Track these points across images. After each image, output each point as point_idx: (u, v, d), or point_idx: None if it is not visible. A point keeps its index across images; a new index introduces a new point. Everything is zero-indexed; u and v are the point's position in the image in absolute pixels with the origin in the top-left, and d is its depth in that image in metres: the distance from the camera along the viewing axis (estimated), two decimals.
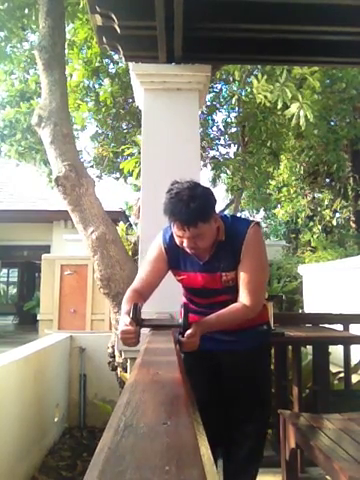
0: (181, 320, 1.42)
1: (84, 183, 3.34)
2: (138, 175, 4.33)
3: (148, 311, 2.11)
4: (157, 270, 1.68)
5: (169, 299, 1.89)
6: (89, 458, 0.88)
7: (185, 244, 1.53)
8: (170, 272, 1.74)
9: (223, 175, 7.75)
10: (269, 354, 1.91)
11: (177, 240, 1.56)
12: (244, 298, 1.57)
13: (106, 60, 6.19)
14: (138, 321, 1.42)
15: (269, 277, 9.86)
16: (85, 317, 6.30)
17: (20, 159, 6.70)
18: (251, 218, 16.01)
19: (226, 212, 9.24)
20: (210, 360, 1.72)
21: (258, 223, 1.67)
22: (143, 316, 1.46)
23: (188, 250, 1.56)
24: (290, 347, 2.86)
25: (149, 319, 1.51)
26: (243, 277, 1.58)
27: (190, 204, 1.45)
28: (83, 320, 6.27)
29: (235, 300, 1.60)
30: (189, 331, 1.40)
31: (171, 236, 1.64)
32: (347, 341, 2.82)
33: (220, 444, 1.75)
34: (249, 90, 6.05)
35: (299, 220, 11.14)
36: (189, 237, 1.50)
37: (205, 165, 7.11)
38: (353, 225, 10.40)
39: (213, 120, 7.28)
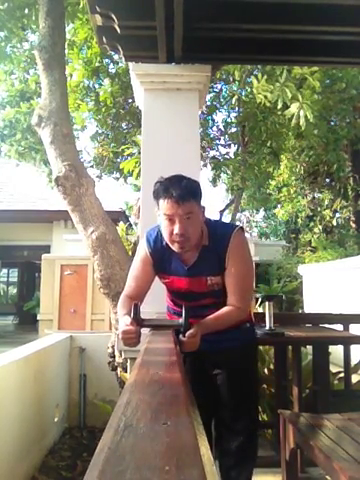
0: (181, 320, 1.42)
1: (84, 183, 3.34)
2: (138, 175, 4.33)
3: (148, 311, 2.11)
4: (145, 274, 1.70)
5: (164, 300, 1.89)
6: (89, 458, 0.89)
7: (176, 230, 1.52)
8: None
9: (223, 175, 7.76)
10: (255, 351, 1.92)
11: (166, 230, 1.55)
12: (235, 301, 1.62)
13: (106, 60, 6.19)
14: (138, 321, 1.42)
15: (269, 277, 9.91)
16: (85, 317, 6.30)
17: (20, 159, 6.71)
18: (249, 218, 16.05)
19: (225, 211, 9.26)
20: (196, 360, 1.72)
21: (241, 228, 1.70)
22: (143, 316, 1.46)
23: (176, 240, 1.54)
24: (290, 347, 2.86)
25: (149, 319, 1.51)
26: (232, 283, 1.62)
27: (183, 181, 1.54)
28: (83, 320, 6.27)
29: (220, 303, 1.63)
30: (190, 331, 1.41)
31: (155, 239, 1.68)
32: (347, 341, 2.81)
33: (213, 443, 1.76)
34: (249, 90, 6.06)
35: (299, 220, 11.14)
36: (181, 216, 1.51)
37: (205, 165, 7.11)
38: (353, 225, 10.40)
39: (213, 120, 7.29)
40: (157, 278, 1.75)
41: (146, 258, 1.69)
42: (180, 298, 1.72)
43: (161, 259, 1.67)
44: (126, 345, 1.45)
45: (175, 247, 1.58)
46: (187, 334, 1.41)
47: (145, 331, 1.52)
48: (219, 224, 1.76)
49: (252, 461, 1.81)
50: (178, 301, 1.73)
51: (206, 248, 1.63)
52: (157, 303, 1.91)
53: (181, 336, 1.43)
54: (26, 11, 4.38)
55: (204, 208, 1.63)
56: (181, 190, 1.50)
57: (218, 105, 7.12)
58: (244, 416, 1.75)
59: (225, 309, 1.61)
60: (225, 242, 1.60)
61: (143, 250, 1.71)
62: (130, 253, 3.93)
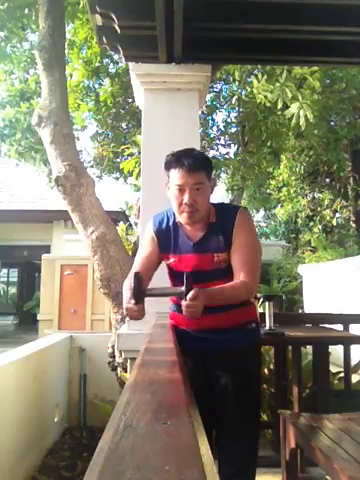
0: (184, 287, 1.40)
1: (84, 183, 3.35)
2: (138, 175, 4.33)
3: (148, 311, 2.11)
4: (150, 254, 1.70)
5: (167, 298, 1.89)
6: (89, 458, 0.88)
7: (185, 200, 1.56)
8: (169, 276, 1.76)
9: (223, 175, 7.76)
10: (259, 353, 1.89)
11: (176, 200, 1.58)
12: (244, 276, 1.58)
13: (106, 60, 6.19)
14: (141, 292, 1.42)
15: (269, 277, 9.91)
16: (85, 317, 6.30)
17: (20, 159, 6.71)
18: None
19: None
20: (198, 360, 1.71)
21: (246, 208, 1.74)
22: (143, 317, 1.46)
23: (185, 210, 1.57)
24: (290, 347, 2.86)
25: (151, 289, 1.51)
26: (239, 258, 1.60)
27: (194, 151, 1.63)
28: (83, 320, 6.27)
29: None
30: (191, 293, 1.38)
31: (161, 220, 1.71)
32: (347, 341, 2.81)
33: (215, 447, 1.74)
34: (249, 90, 6.05)
35: (299, 220, 11.14)
36: (191, 186, 1.55)
37: None
38: (353, 225, 10.40)
39: (213, 120, 7.29)
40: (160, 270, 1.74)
41: (151, 239, 1.71)
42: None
43: (167, 238, 1.69)
44: (132, 319, 1.47)
45: (184, 218, 1.60)
46: (188, 296, 1.37)
47: (147, 317, 1.51)
48: (224, 204, 1.82)
49: (253, 466, 1.77)
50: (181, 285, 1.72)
51: (213, 225, 1.65)
52: (157, 303, 1.91)
53: (182, 301, 1.40)
54: (26, 11, 4.38)
55: (214, 182, 1.68)
56: (192, 160, 1.56)
57: (218, 105, 7.12)
58: (246, 420, 1.71)
59: (231, 283, 1.58)
60: (231, 219, 1.63)
61: (148, 231, 1.74)
62: (130, 253, 3.93)
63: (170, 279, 1.78)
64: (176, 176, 1.58)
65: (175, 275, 1.74)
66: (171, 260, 1.70)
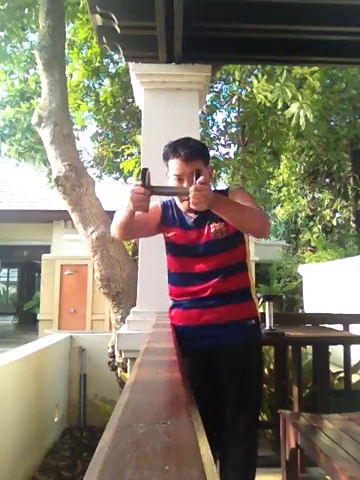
0: (192, 187, 1.40)
1: (84, 183, 3.35)
2: (138, 175, 4.33)
3: (148, 311, 2.11)
4: (150, 215, 1.67)
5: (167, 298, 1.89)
6: (89, 458, 0.89)
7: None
8: (168, 272, 1.76)
9: (223, 175, 7.75)
10: (259, 351, 1.87)
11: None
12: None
13: (106, 60, 6.19)
14: (149, 186, 1.46)
15: (269, 277, 9.91)
16: (85, 317, 6.30)
17: (20, 159, 6.71)
18: None
19: None
20: (198, 359, 1.70)
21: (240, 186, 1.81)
22: (143, 315, 1.46)
23: (185, 198, 1.58)
24: (290, 347, 2.86)
25: (159, 186, 1.53)
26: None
27: (190, 141, 1.68)
28: (83, 320, 6.27)
29: (229, 268, 1.65)
30: (199, 179, 1.39)
31: (165, 201, 1.78)
32: (347, 341, 2.81)
33: (215, 447, 1.74)
34: (249, 90, 6.05)
35: (299, 220, 11.14)
36: (189, 175, 1.57)
37: None
38: (353, 225, 10.40)
39: (213, 120, 7.28)
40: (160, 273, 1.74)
41: (155, 207, 1.75)
42: (185, 255, 1.72)
43: (169, 213, 1.75)
44: (135, 209, 1.47)
45: (184, 205, 1.66)
46: (198, 180, 1.39)
47: (147, 317, 1.51)
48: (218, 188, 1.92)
49: (253, 466, 1.76)
50: (183, 264, 1.72)
51: None
52: (157, 303, 1.91)
53: (192, 186, 1.39)
54: (26, 11, 4.38)
55: (212, 169, 1.76)
56: (188, 149, 1.62)
57: (218, 105, 7.11)
58: (246, 419, 1.70)
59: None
60: (225, 191, 1.73)
61: (154, 203, 1.75)
62: (130, 253, 3.93)
63: (169, 256, 1.78)
64: (173, 166, 1.64)
65: (173, 251, 1.76)
66: (172, 233, 1.74)
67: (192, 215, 1.68)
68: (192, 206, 1.41)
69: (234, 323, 1.67)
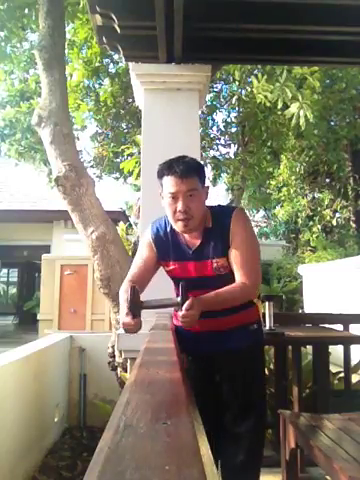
0: (179, 298, 1.40)
1: (84, 183, 3.35)
2: (138, 175, 4.33)
3: (148, 311, 2.11)
4: (147, 260, 1.68)
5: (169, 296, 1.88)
6: (89, 458, 0.88)
7: (179, 207, 1.53)
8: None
9: (223, 175, 7.75)
10: (262, 354, 1.87)
11: (170, 208, 1.55)
12: (242, 277, 1.57)
13: (106, 60, 6.19)
14: (137, 305, 1.42)
15: (269, 277, 9.91)
16: (85, 317, 6.29)
17: (20, 159, 6.70)
18: (250, 218, 16.05)
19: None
20: (201, 362, 1.70)
21: (242, 208, 1.73)
22: (143, 311, 1.46)
23: (180, 218, 1.54)
24: (290, 347, 2.86)
25: (148, 301, 1.50)
26: (237, 259, 1.58)
27: (186, 158, 1.59)
28: (83, 320, 6.26)
29: None
30: (186, 303, 1.37)
31: (158, 226, 1.69)
32: (347, 341, 2.82)
33: (216, 445, 1.73)
34: (249, 90, 6.05)
35: (299, 220, 11.14)
36: (184, 193, 1.52)
37: (205, 165, 7.10)
38: (353, 225, 10.40)
39: (213, 120, 7.27)
40: (159, 274, 1.73)
41: (149, 245, 1.69)
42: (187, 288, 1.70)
43: (164, 245, 1.66)
44: (128, 333, 1.45)
45: (179, 226, 1.57)
46: (184, 306, 1.37)
47: (147, 317, 1.51)
48: (220, 206, 1.77)
49: (256, 469, 1.75)
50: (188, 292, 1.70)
51: (210, 230, 1.62)
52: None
53: (179, 312, 1.40)
54: (26, 11, 4.38)
55: (207, 188, 1.65)
56: (184, 166, 1.54)
57: (218, 105, 7.11)
58: (249, 423, 1.69)
59: (229, 286, 1.55)
60: (227, 220, 1.60)
61: (146, 237, 1.72)
62: (130, 253, 3.93)
63: (174, 284, 1.75)
64: (168, 184, 1.55)
65: (176, 281, 1.72)
66: (171, 267, 1.68)
67: (190, 241, 1.63)
68: (181, 325, 1.41)
69: (237, 329, 1.67)
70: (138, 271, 1.68)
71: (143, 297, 1.51)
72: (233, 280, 1.59)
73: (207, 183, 1.69)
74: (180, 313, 1.39)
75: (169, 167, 1.55)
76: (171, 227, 1.66)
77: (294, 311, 8.86)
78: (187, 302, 1.37)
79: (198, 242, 1.63)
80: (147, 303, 1.48)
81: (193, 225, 1.57)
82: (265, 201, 11.48)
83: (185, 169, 1.53)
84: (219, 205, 1.81)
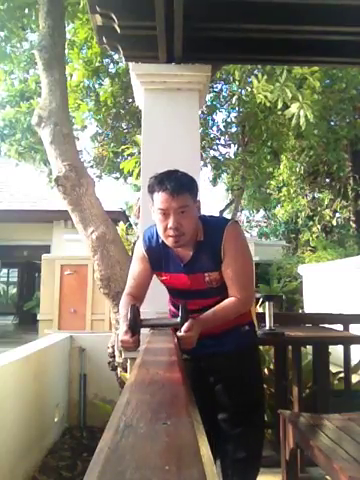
0: (179, 319, 1.41)
1: (84, 183, 3.34)
2: (138, 175, 4.33)
3: (147, 311, 2.11)
4: (143, 271, 1.69)
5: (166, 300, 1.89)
6: (89, 458, 0.88)
7: (170, 224, 1.51)
8: None
9: (223, 175, 7.75)
10: (256, 355, 1.86)
11: (161, 225, 1.54)
12: (235, 292, 1.58)
13: (106, 60, 6.19)
14: (136, 324, 1.42)
15: (269, 277, 9.91)
16: (85, 317, 6.29)
17: (20, 159, 6.70)
18: (249, 218, 16.04)
19: (225, 211, 9.26)
20: (194, 365, 1.70)
21: (236, 221, 1.71)
22: (143, 316, 1.46)
23: (170, 235, 1.53)
24: (290, 347, 2.86)
25: (147, 319, 1.50)
26: (231, 274, 1.58)
27: (178, 173, 1.55)
28: (83, 320, 6.26)
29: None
30: (186, 324, 1.38)
31: (150, 237, 1.67)
32: (347, 341, 2.82)
33: (216, 445, 1.72)
34: (249, 90, 6.05)
35: (299, 220, 11.14)
36: (175, 210, 1.49)
37: (205, 165, 7.10)
38: (353, 225, 10.40)
39: (213, 120, 7.28)
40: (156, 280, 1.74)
41: (143, 256, 1.69)
42: (179, 297, 1.69)
43: (157, 257, 1.66)
44: (126, 351, 1.46)
45: (169, 242, 1.56)
46: (183, 329, 1.39)
47: (146, 330, 1.52)
48: (213, 219, 1.74)
49: (253, 470, 1.75)
50: (178, 301, 1.69)
51: (201, 243, 1.61)
52: (157, 303, 1.91)
53: (178, 333, 1.41)
54: (26, 11, 4.38)
55: (199, 202, 1.62)
56: (175, 183, 1.50)
57: (218, 105, 7.11)
58: (244, 424, 1.69)
59: (224, 302, 1.58)
60: (219, 236, 1.58)
61: (139, 248, 1.71)
62: (130, 253, 3.93)
63: (169, 295, 1.77)
64: (159, 200, 1.51)
65: (171, 292, 1.75)
66: (163, 278, 1.69)
67: (181, 255, 1.62)
68: (181, 346, 1.42)
69: (229, 331, 1.67)
70: (135, 283, 1.70)
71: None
72: (226, 291, 1.61)
73: (199, 196, 1.66)
74: (179, 334, 1.40)
75: (160, 183, 1.51)
76: (160, 240, 1.64)
77: (294, 311, 8.86)
78: (186, 324, 1.39)
79: (189, 255, 1.62)
80: (146, 321, 1.48)
81: (184, 241, 1.55)
82: (265, 201, 11.49)
83: (176, 186, 1.49)
84: (212, 216, 1.78)
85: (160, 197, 1.51)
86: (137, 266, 1.71)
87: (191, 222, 1.55)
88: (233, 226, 1.62)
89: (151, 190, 1.55)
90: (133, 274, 1.72)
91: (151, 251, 1.67)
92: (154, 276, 1.74)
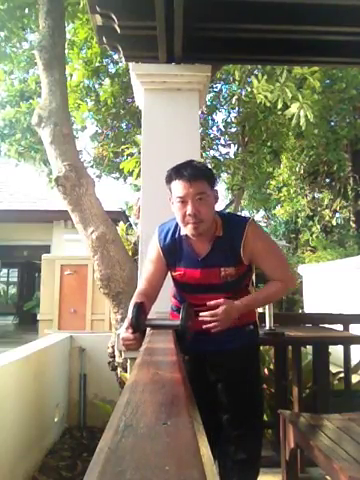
0: (180, 321, 1.41)
1: (84, 183, 3.35)
2: (138, 175, 4.33)
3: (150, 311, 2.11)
4: (158, 270, 1.68)
5: (168, 299, 1.89)
6: (89, 458, 0.89)
7: (188, 211, 1.52)
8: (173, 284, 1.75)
9: (223, 175, 7.75)
10: (258, 354, 1.88)
11: (179, 212, 1.54)
12: (280, 277, 1.67)
13: (106, 60, 6.18)
14: (138, 321, 1.41)
15: None
16: (85, 317, 6.30)
17: (20, 159, 6.70)
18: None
19: (225, 211, 9.24)
20: (197, 361, 1.71)
21: (253, 220, 1.72)
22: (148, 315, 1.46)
23: (190, 222, 1.53)
24: (290, 347, 2.86)
25: (150, 319, 1.50)
26: (268, 267, 1.67)
27: (194, 162, 1.59)
28: (83, 320, 6.27)
29: (235, 299, 1.60)
30: (212, 302, 1.49)
31: (166, 232, 1.67)
32: (347, 341, 2.81)
33: (215, 447, 1.73)
34: (249, 90, 6.05)
35: (299, 220, 11.14)
36: (193, 196, 1.51)
37: None
38: (353, 225, 10.40)
39: (213, 120, 7.27)
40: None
41: (157, 253, 1.68)
42: (191, 292, 1.68)
43: (173, 252, 1.66)
44: (128, 350, 1.46)
45: (189, 230, 1.56)
46: (208, 304, 1.47)
47: (151, 310, 1.52)
48: (232, 215, 1.80)
49: (256, 466, 1.76)
50: (190, 296, 1.67)
51: (220, 239, 1.61)
52: (158, 302, 1.91)
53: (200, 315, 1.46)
54: (26, 11, 4.38)
55: (217, 192, 1.63)
56: (192, 170, 1.53)
57: (218, 105, 7.11)
58: (245, 421, 1.70)
59: (268, 286, 1.68)
60: (240, 232, 1.59)
61: (154, 245, 1.70)
62: (130, 253, 3.93)
63: (177, 287, 1.75)
64: (177, 188, 1.54)
65: (182, 286, 1.73)
66: (177, 273, 1.68)
67: (199, 249, 1.63)
68: (214, 331, 1.47)
69: (234, 330, 1.66)
70: (149, 279, 1.68)
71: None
72: (238, 286, 1.65)
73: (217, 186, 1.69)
74: (203, 313, 1.48)
75: (177, 171, 1.55)
76: (180, 233, 1.65)
77: (294, 311, 8.86)
78: (211, 302, 1.48)
79: (207, 250, 1.62)
80: (149, 321, 1.48)
81: (203, 228, 1.56)
82: (265, 201, 11.49)
83: (193, 173, 1.52)
84: (231, 213, 1.83)
85: (178, 185, 1.54)
86: (151, 266, 1.70)
87: (209, 210, 1.57)
88: (254, 224, 1.66)
89: (169, 180, 1.58)
90: (148, 271, 1.70)
91: (167, 247, 1.67)
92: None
